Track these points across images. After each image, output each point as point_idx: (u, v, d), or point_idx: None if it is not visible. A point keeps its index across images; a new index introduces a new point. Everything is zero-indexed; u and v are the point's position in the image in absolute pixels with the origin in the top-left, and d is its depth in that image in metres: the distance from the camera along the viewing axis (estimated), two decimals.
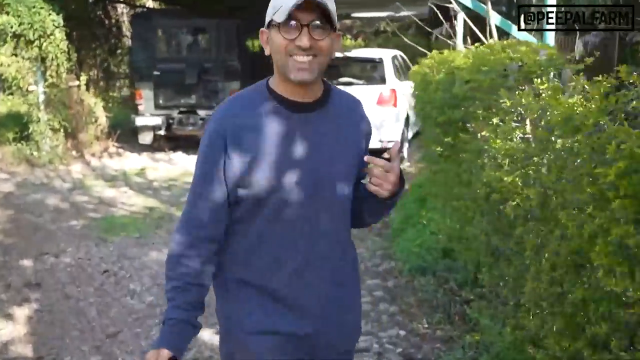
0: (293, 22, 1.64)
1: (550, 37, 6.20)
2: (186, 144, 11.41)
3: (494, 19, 6.83)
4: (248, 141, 1.71)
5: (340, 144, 1.81)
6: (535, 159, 2.95)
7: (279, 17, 1.65)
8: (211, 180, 1.76)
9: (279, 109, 1.75)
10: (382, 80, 9.72)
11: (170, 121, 10.85)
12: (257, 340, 1.80)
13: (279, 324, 1.80)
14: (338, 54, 10.48)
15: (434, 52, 5.45)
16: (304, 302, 1.82)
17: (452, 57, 4.48)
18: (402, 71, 10.68)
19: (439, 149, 4.64)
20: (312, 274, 1.81)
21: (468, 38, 7.19)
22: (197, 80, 10.67)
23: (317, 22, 1.66)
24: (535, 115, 2.96)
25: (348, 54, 10.55)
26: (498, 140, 3.32)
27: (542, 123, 2.96)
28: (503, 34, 7.00)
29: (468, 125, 4.44)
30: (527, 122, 3.28)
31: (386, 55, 10.21)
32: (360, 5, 13.56)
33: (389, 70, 9.82)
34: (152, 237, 6.33)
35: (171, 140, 11.37)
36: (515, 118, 3.37)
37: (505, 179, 3.25)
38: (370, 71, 10.34)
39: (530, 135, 3.24)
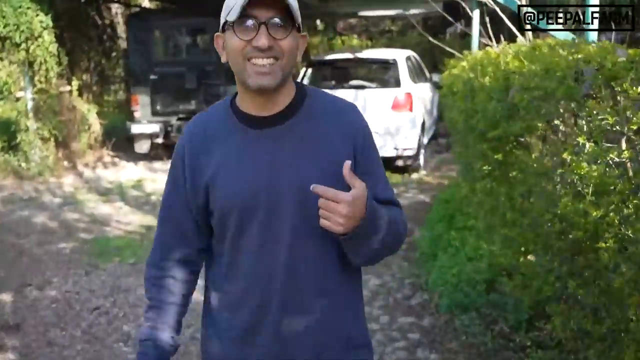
0: (249, 21, 1.46)
1: (593, 37, 5.53)
2: None
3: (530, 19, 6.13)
4: (202, 162, 1.59)
5: (310, 161, 1.56)
6: None
7: (232, 16, 1.46)
8: (174, 203, 1.67)
9: (236, 125, 1.59)
10: (397, 83, 9.01)
11: (169, 128, 10.12)
12: None
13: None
14: (349, 55, 9.82)
15: (467, 52, 4.79)
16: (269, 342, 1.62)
17: (502, 58, 3.78)
18: (417, 73, 9.99)
19: (485, 167, 3.94)
20: (284, 313, 1.60)
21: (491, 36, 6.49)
22: (197, 85, 9.93)
23: (276, 19, 1.46)
24: None
25: (359, 55, 9.84)
26: (584, 164, 2.64)
27: None
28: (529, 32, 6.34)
29: (522, 139, 3.76)
30: (623, 142, 2.58)
31: (400, 55, 9.50)
32: (367, 3, 12.86)
33: (403, 72, 9.11)
34: None
35: (170, 148, 10.64)
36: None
37: (594, 213, 2.57)
38: (384, 73, 9.62)
39: (626, 159, 2.54)
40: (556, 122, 3.36)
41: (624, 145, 2.58)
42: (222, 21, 1.53)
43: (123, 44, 13.25)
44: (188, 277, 1.72)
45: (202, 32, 10.92)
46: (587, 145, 2.61)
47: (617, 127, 2.48)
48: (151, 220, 7.08)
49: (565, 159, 2.76)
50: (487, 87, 3.61)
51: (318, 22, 19.76)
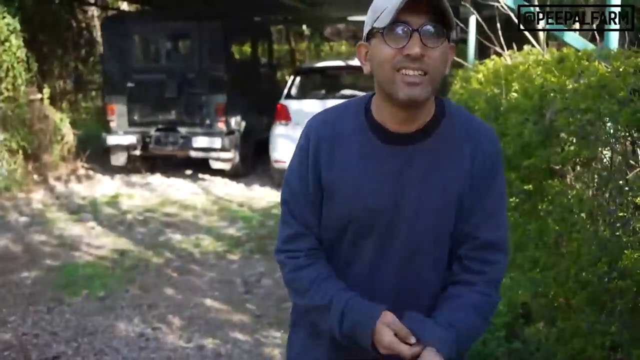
0: (401, 27, 1.38)
1: (614, 40, 5.01)
2: (165, 165, 10.07)
3: (542, 21, 5.60)
4: (324, 163, 1.55)
5: (433, 186, 1.50)
6: None
7: (382, 22, 1.40)
8: (300, 198, 1.59)
9: (367, 135, 1.53)
10: None
11: (147, 140, 9.42)
12: None
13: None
14: (339, 62, 9.28)
15: (488, 60, 4.24)
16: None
17: (532, 70, 3.22)
18: None
19: (512, 199, 3.38)
20: None
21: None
22: (178, 93, 9.22)
23: (430, 27, 1.38)
24: None
25: (350, 62, 9.26)
26: None
27: None
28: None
29: (557, 168, 3.19)
30: None
31: None
32: (357, 8, 12.31)
33: None
34: (121, 297, 4.99)
35: (148, 160, 10.00)
36: None
37: None
38: None
39: None
40: (605, 151, 2.80)
41: None
42: (366, 29, 1.48)
43: (101, 48, 12.57)
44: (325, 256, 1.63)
45: (183, 37, 10.28)
46: None
47: None
48: (126, 244, 6.44)
49: (638, 203, 2.20)
50: (520, 107, 3.04)
51: (304, 27, 19.19)
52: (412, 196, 1.50)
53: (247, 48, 11.32)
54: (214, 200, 8.36)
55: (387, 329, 1.43)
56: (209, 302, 4.89)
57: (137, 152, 9.53)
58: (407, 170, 1.50)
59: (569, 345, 3.06)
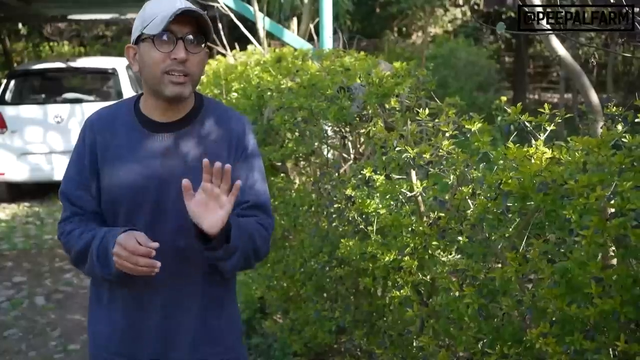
0: (168, 35, 1.61)
1: (328, 43, 5.37)
2: None
3: (262, 22, 5.81)
4: (99, 149, 1.74)
5: (194, 166, 1.68)
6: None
7: (153, 30, 1.61)
8: (82, 176, 1.77)
9: (138, 127, 1.74)
10: (119, 95, 8.13)
11: None
12: None
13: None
14: (60, 64, 8.73)
15: (212, 61, 4.24)
16: (142, 327, 1.77)
17: (250, 71, 3.28)
18: (139, 83, 9.17)
19: None
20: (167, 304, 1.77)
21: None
22: None
23: (192, 36, 1.64)
24: (458, 171, 1.89)
25: (72, 64, 8.71)
26: (372, 201, 2.23)
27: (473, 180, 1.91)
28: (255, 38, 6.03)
29: (279, 164, 3.30)
30: (413, 173, 2.21)
31: (119, 64, 8.60)
32: (78, 5, 11.66)
33: (125, 82, 8.25)
34: None
35: None
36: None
37: (388, 257, 2.18)
38: (103, 84, 8.65)
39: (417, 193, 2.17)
40: (318, 147, 2.95)
41: (414, 177, 2.22)
42: (135, 33, 1.66)
43: None
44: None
45: None
46: (375, 177, 2.19)
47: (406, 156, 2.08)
48: None
49: (348, 194, 2.33)
50: (240, 107, 3.08)
51: (20, 25, 17.69)
52: (177, 175, 1.63)
53: None
54: None
55: (129, 237, 1.57)
56: None
57: None
58: (172, 153, 1.71)
59: (302, 334, 3.20)
